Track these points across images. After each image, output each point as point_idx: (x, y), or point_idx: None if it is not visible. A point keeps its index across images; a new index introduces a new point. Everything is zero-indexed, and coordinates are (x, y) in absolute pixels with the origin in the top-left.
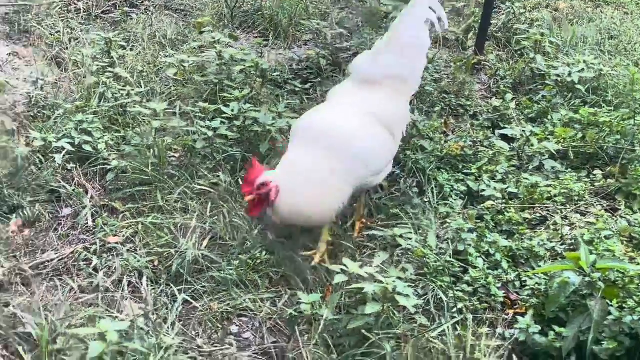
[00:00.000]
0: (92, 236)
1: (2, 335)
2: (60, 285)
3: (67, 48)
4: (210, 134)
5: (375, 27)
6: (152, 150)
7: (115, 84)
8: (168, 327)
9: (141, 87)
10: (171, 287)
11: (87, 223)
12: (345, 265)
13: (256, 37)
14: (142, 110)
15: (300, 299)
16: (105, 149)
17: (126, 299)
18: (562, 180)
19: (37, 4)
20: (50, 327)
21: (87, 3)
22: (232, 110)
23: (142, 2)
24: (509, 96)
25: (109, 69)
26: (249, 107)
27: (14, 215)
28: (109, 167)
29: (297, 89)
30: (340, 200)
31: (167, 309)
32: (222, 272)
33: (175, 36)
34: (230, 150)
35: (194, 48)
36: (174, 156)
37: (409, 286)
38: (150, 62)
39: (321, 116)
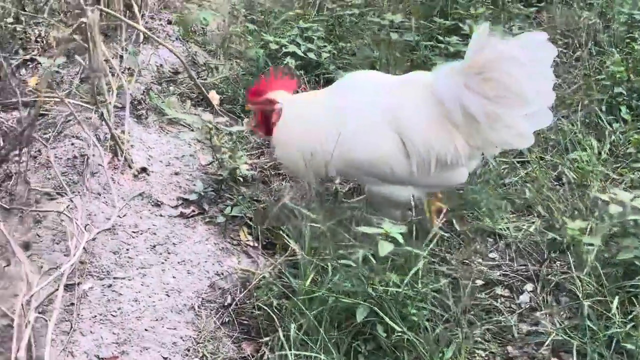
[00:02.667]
0: None
1: None
2: None
3: None
4: (452, 49)
5: None
6: (381, 62)
7: None
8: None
9: None
10: None
11: None
12: (614, 194)
13: None
14: (378, 20)
15: (564, 224)
16: (326, 58)
17: None
18: None
19: None
20: None
21: None
22: (471, 28)
23: None
24: None
25: None
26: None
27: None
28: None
29: (518, 12)
30: (317, 171)
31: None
32: (464, 191)
33: None
34: None
35: None
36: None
37: None
38: None
39: (362, 85)
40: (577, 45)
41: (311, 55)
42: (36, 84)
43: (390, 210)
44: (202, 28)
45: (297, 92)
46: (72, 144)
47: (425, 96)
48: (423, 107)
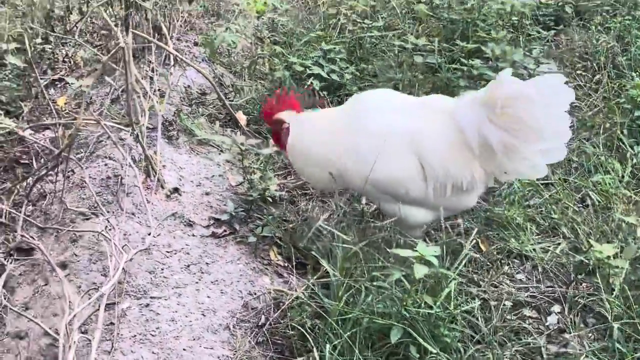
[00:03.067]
0: None
1: None
2: None
3: None
4: (475, 72)
5: None
6: (403, 83)
7: (354, 16)
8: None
9: (377, 20)
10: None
11: None
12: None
13: None
14: (400, 43)
15: (590, 246)
16: (349, 79)
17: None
18: None
19: None
20: None
21: None
22: (493, 51)
23: None
24: None
25: (344, 1)
26: (509, 49)
27: None
28: None
29: (537, 35)
30: (324, 180)
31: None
32: (491, 212)
33: None
34: None
35: None
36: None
37: None
38: None
39: (379, 105)
40: (596, 69)
41: (334, 76)
42: (65, 104)
43: (410, 229)
44: (228, 50)
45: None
46: (105, 165)
47: (446, 122)
48: (443, 133)
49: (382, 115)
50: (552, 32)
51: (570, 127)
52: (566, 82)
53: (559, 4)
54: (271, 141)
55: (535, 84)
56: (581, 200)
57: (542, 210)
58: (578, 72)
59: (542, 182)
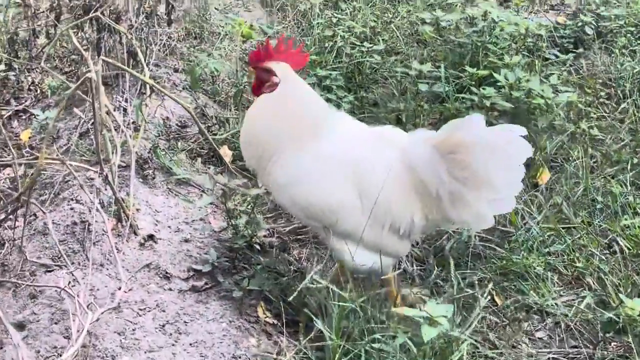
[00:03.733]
0: None
1: None
2: None
3: None
4: (488, 103)
5: None
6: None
7: (352, 39)
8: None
9: (377, 43)
10: (442, 270)
11: None
12: None
13: None
14: (404, 69)
15: (621, 301)
16: (347, 110)
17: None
18: None
19: None
20: None
21: None
22: (506, 78)
23: None
24: None
25: (342, 21)
26: (524, 76)
27: None
28: None
29: (556, 60)
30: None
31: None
32: (505, 262)
33: None
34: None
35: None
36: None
37: None
38: (379, 16)
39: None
40: (621, 96)
41: (331, 106)
42: (29, 138)
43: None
44: (212, 76)
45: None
46: (72, 209)
47: (396, 157)
48: (390, 168)
49: (333, 139)
50: (572, 55)
51: (522, 180)
52: (525, 136)
53: (579, 24)
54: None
55: (493, 134)
56: (608, 246)
57: (564, 258)
58: (601, 100)
59: (564, 226)
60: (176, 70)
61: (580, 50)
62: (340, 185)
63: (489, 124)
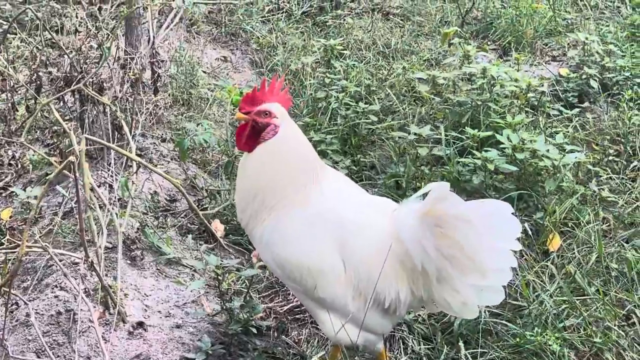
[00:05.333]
0: None
1: None
2: None
3: (276, 54)
4: (492, 167)
5: None
6: (407, 179)
7: (347, 99)
8: None
9: (373, 102)
10: (451, 349)
11: None
12: None
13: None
14: (402, 134)
15: None
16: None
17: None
18: None
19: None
20: None
21: (288, 3)
22: (509, 140)
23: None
24: None
25: (335, 80)
26: (528, 136)
27: None
28: None
29: (559, 115)
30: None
31: None
32: (519, 339)
33: (401, 45)
34: (504, 187)
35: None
36: None
37: None
38: (374, 74)
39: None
40: (631, 153)
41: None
42: (10, 217)
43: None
44: (201, 145)
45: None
46: (56, 296)
47: (384, 226)
48: (378, 237)
49: (322, 196)
50: (577, 110)
51: (513, 269)
52: (513, 213)
53: (583, 77)
54: (254, 255)
55: (477, 209)
56: (626, 317)
57: (580, 333)
58: (610, 157)
59: (578, 297)
60: (164, 140)
61: (586, 104)
62: (320, 246)
63: (494, 187)
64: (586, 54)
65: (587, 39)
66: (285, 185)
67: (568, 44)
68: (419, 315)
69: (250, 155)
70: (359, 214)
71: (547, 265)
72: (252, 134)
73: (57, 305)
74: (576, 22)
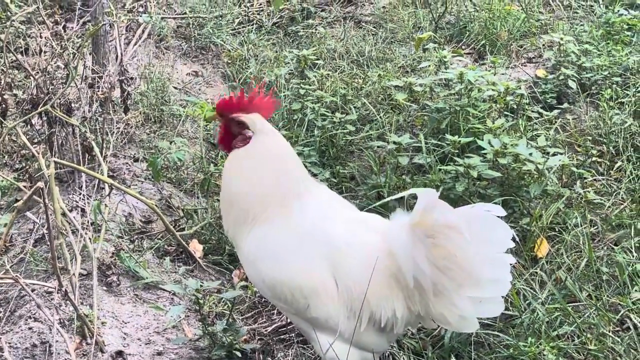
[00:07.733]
0: None
1: None
2: None
3: (249, 66)
4: (475, 174)
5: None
6: (389, 189)
7: (322, 110)
8: None
9: (350, 112)
10: None
11: None
12: None
13: (467, 54)
14: (381, 143)
15: None
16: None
17: None
18: None
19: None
20: None
21: (258, 15)
22: (491, 145)
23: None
24: None
25: (310, 91)
26: (510, 140)
27: None
28: None
29: (538, 117)
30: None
31: None
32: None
33: (375, 53)
34: (488, 193)
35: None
36: None
37: None
38: (349, 83)
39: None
40: (614, 153)
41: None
42: None
43: None
44: (175, 164)
45: None
46: (30, 328)
47: (376, 242)
48: (370, 254)
49: (309, 210)
50: (556, 111)
51: (510, 279)
52: (502, 217)
53: (560, 77)
54: (235, 274)
55: (467, 215)
56: (620, 322)
57: (575, 341)
58: (593, 159)
59: (571, 303)
60: (136, 160)
61: (565, 105)
62: (312, 264)
63: (478, 194)
64: (562, 54)
65: (562, 39)
66: (261, 195)
67: (543, 45)
68: (408, 329)
69: (227, 159)
70: (349, 231)
71: (537, 272)
72: (227, 134)
73: (31, 337)
74: (550, 23)
